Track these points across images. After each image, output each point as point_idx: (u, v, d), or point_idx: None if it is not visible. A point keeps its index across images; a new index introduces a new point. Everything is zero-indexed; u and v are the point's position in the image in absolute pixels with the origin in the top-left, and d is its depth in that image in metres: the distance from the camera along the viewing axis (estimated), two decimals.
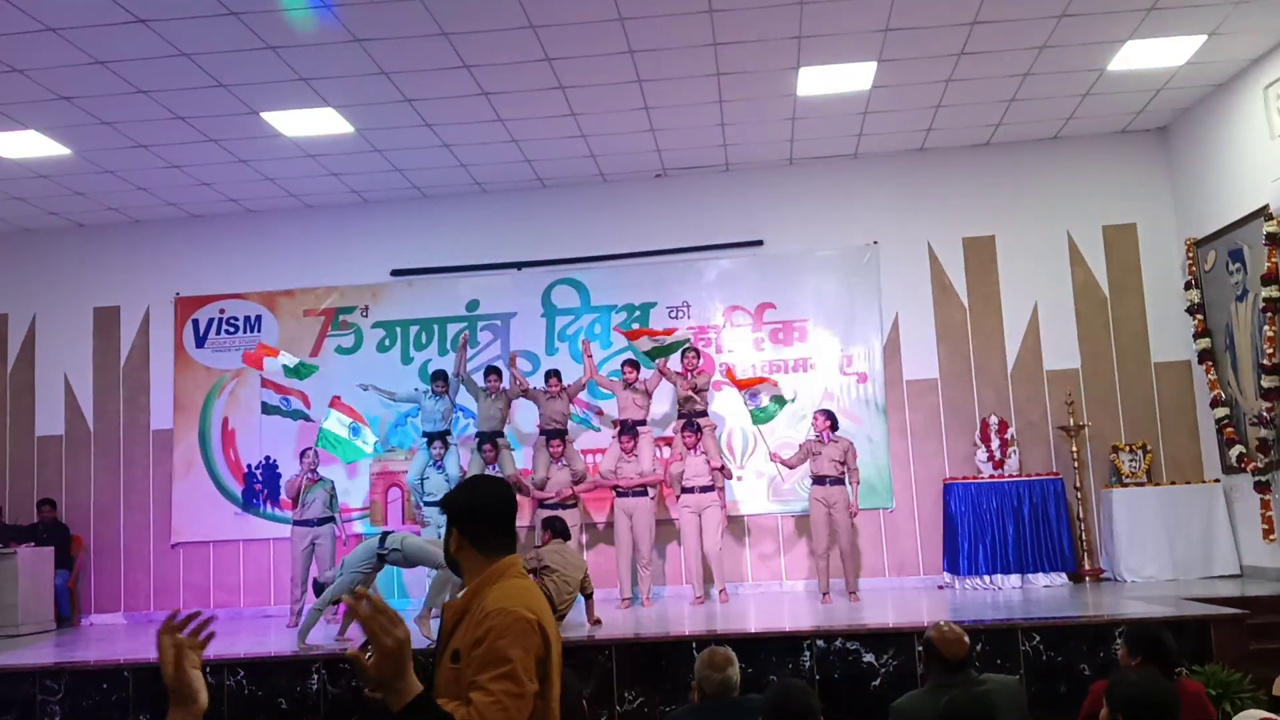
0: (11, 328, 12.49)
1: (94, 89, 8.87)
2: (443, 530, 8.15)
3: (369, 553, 8.45)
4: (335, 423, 10.80)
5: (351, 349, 12.02)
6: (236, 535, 11.81)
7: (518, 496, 10.46)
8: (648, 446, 10.74)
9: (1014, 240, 11.39)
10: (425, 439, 10.86)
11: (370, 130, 10.12)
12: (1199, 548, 10.23)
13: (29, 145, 9.99)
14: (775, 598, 10.65)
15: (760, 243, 11.68)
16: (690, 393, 10.63)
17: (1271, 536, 9.55)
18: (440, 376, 10.97)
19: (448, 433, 10.92)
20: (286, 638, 9.59)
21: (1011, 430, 10.89)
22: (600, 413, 11.51)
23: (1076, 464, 10.78)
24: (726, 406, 11.23)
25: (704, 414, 10.76)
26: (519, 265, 11.93)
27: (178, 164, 10.69)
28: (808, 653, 7.38)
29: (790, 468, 10.49)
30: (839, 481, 10.10)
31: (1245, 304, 9.83)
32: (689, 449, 10.39)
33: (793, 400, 10.91)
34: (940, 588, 10.68)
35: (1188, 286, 10.71)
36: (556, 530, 8.93)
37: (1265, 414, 9.47)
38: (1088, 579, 10.49)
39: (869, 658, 7.32)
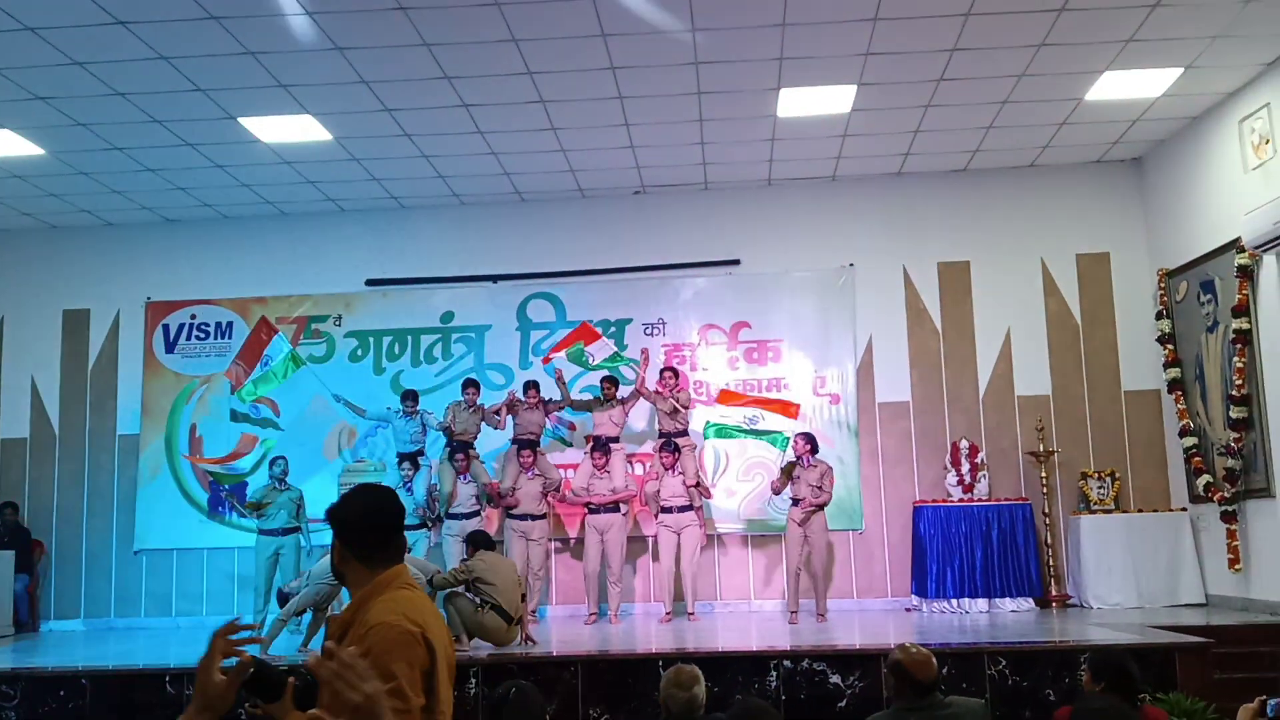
0: None
1: (70, 90, 8.80)
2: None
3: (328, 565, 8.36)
4: None
5: (323, 358, 11.94)
6: (201, 544, 11.68)
7: (487, 508, 10.45)
8: (620, 463, 10.72)
9: (988, 266, 11.45)
10: (396, 459, 10.77)
11: (349, 139, 10.08)
12: (1165, 576, 10.29)
13: (3, 145, 9.89)
14: (744, 617, 10.63)
15: (737, 262, 11.70)
16: (674, 407, 10.60)
17: (1237, 566, 9.61)
18: (411, 396, 10.87)
19: (420, 453, 10.81)
20: (250, 648, 9.47)
21: (982, 455, 10.93)
22: (573, 427, 11.47)
23: (1045, 490, 10.83)
24: (699, 424, 11.24)
25: (684, 433, 10.72)
26: (495, 278, 11.90)
27: (153, 168, 10.62)
28: (774, 673, 7.35)
29: (776, 493, 10.52)
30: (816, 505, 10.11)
31: (1215, 335, 9.91)
32: (666, 469, 10.37)
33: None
34: (908, 610, 10.68)
35: (1159, 316, 10.80)
36: (478, 543, 8.87)
37: (1233, 444, 9.54)
38: (1054, 605, 10.51)
39: (835, 679, 7.31)
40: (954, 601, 10.39)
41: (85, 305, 12.26)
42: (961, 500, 10.69)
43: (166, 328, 12.15)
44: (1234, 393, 9.47)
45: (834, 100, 9.56)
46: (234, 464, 11.73)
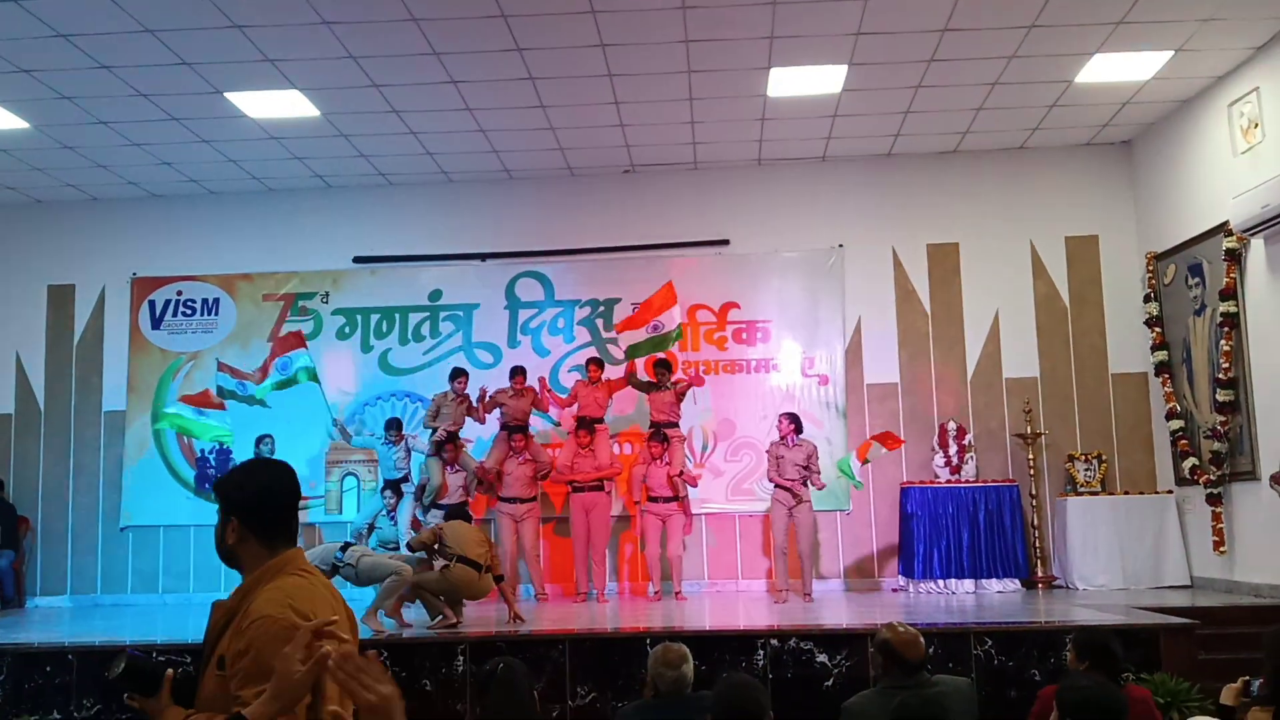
0: None
1: (55, 63, 8.72)
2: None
3: (326, 557, 8.32)
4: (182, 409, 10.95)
5: (311, 335, 11.88)
6: (188, 520, 11.65)
7: (476, 493, 10.40)
8: (604, 442, 10.71)
9: (977, 248, 11.46)
10: (381, 485, 10.58)
11: (336, 114, 10.02)
12: (1150, 558, 10.35)
13: None
14: (731, 596, 10.65)
15: (726, 242, 11.68)
16: (675, 397, 10.57)
17: (1222, 549, 9.66)
18: (394, 425, 10.69)
19: (405, 479, 10.62)
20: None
21: (969, 437, 10.95)
22: (563, 406, 11.41)
23: (1032, 472, 10.86)
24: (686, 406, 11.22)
25: (674, 424, 10.66)
26: (483, 256, 11.86)
27: (138, 142, 10.54)
28: (761, 652, 7.37)
29: (774, 483, 10.34)
30: (802, 484, 10.11)
31: (1203, 318, 9.94)
32: (654, 459, 10.36)
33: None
34: (894, 591, 10.72)
35: (1147, 299, 10.82)
36: (453, 515, 8.98)
37: (1219, 427, 9.58)
38: (1040, 586, 10.56)
39: (822, 658, 7.32)
40: (940, 582, 10.42)
41: (70, 280, 12.18)
42: (949, 482, 10.72)
43: (153, 304, 12.08)
44: (1220, 376, 9.50)
45: (824, 80, 9.53)
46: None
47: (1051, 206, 11.43)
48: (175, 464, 11.78)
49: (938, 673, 5.20)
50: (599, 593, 10.37)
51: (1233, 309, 9.41)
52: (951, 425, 10.96)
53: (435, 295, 11.88)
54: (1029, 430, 10.82)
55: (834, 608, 9.42)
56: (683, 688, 4.69)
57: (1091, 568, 10.37)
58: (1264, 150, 9.02)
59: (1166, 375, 10.54)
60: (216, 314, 12.03)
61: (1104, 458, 10.92)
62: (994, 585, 10.38)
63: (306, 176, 11.69)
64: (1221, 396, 9.52)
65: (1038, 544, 10.74)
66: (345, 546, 8.46)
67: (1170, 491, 10.61)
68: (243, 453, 11.22)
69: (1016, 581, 10.43)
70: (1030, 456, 10.87)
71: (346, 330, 11.90)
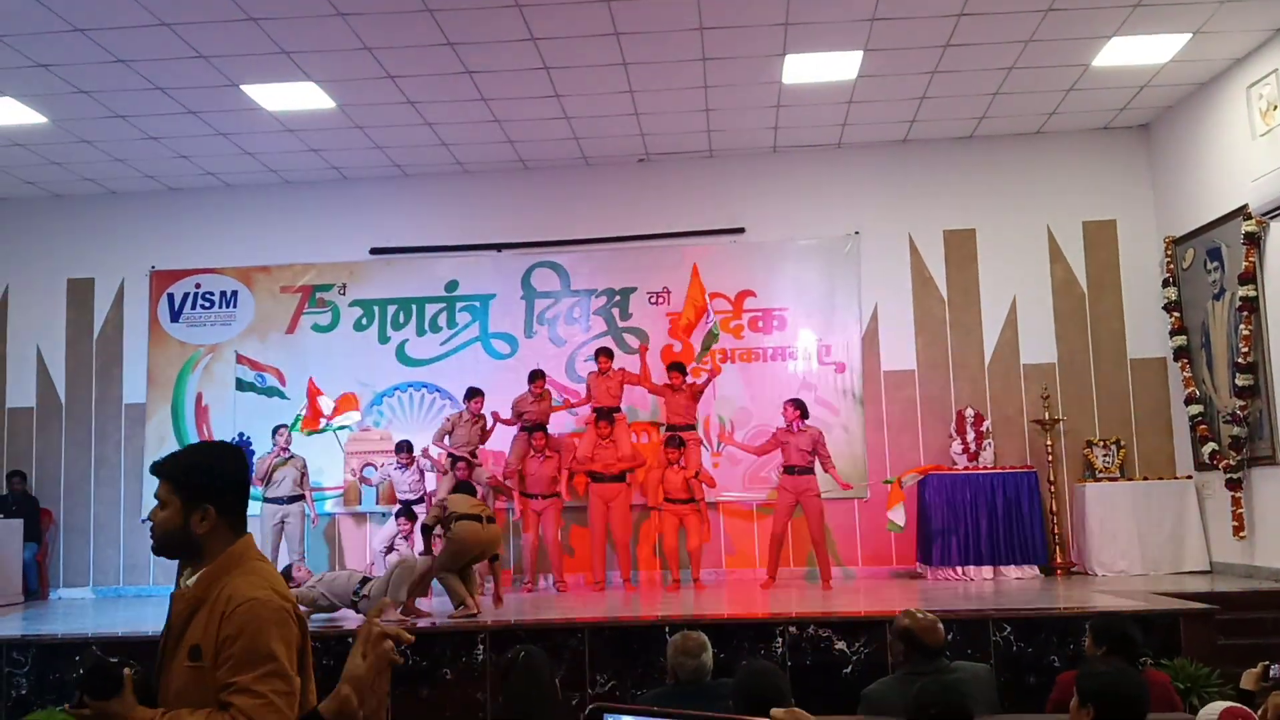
0: None
1: (72, 57, 8.76)
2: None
3: (342, 593, 8.27)
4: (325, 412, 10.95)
5: (328, 327, 11.95)
6: None
7: (498, 497, 10.38)
8: (624, 432, 10.71)
9: (994, 234, 11.41)
10: (396, 510, 10.50)
11: (352, 106, 10.04)
12: (1170, 543, 10.31)
13: (5, 112, 9.85)
14: (750, 584, 10.65)
15: (742, 230, 11.67)
16: (689, 398, 10.55)
17: (1241, 533, 9.63)
18: (404, 447, 10.70)
19: (421, 500, 10.58)
20: None
21: (987, 423, 10.93)
22: (576, 398, 11.42)
23: (1051, 458, 10.83)
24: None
25: (690, 427, 10.61)
26: (499, 247, 11.88)
27: (156, 136, 10.58)
28: (780, 639, 7.38)
29: (765, 454, 10.51)
30: (808, 471, 10.11)
31: (1222, 303, 9.89)
32: (670, 463, 10.31)
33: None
34: (913, 578, 10.71)
35: (1165, 284, 10.76)
36: (457, 490, 9.16)
37: (1239, 412, 9.53)
38: (1059, 572, 10.54)
39: (841, 645, 7.33)
40: (959, 569, 10.41)
41: (89, 274, 12.26)
42: (967, 468, 10.70)
43: (171, 297, 12.15)
44: (1240, 360, 9.45)
45: (840, 66, 9.50)
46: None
47: (1069, 191, 11.37)
48: None
49: (957, 659, 5.21)
50: (625, 581, 10.40)
51: (1252, 293, 9.35)
52: (969, 412, 10.93)
53: (452, 286, 11.91)
54: (1047, 416, 10.79)
55: (852, 595, 9.42)
56: (702, 676, 4.71)
57: (1110, 554, 10.34)
58: None
59: (1185, 360, 10.49)
60: (235, 306, 12.08)
61: (1123, 443, 10.88)
62: (1012, 572, 10.37)
63: (323, 169, 11.72)
64: (1241, 381, 9.47)
65: (1056, 530, 10.71)
66: (363, 581, 8.41)
67: (1189, 477, 10.57)
68: (262, 443, 11.26)
69: (1035, 568, 10.41)
70: (1048, 442, 10.83)
71: (364, 321, 11.93)
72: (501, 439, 11.03)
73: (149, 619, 9.46)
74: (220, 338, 12.04)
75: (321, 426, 11.01)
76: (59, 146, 10.77)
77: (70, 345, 12.20)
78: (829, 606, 8.38)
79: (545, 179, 11.91)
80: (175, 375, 12.02)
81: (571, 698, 7.26)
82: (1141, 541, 10.31)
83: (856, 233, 11.52)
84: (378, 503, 11.41)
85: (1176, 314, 10.61)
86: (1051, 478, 10.81)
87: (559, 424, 11.21)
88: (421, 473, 10.77)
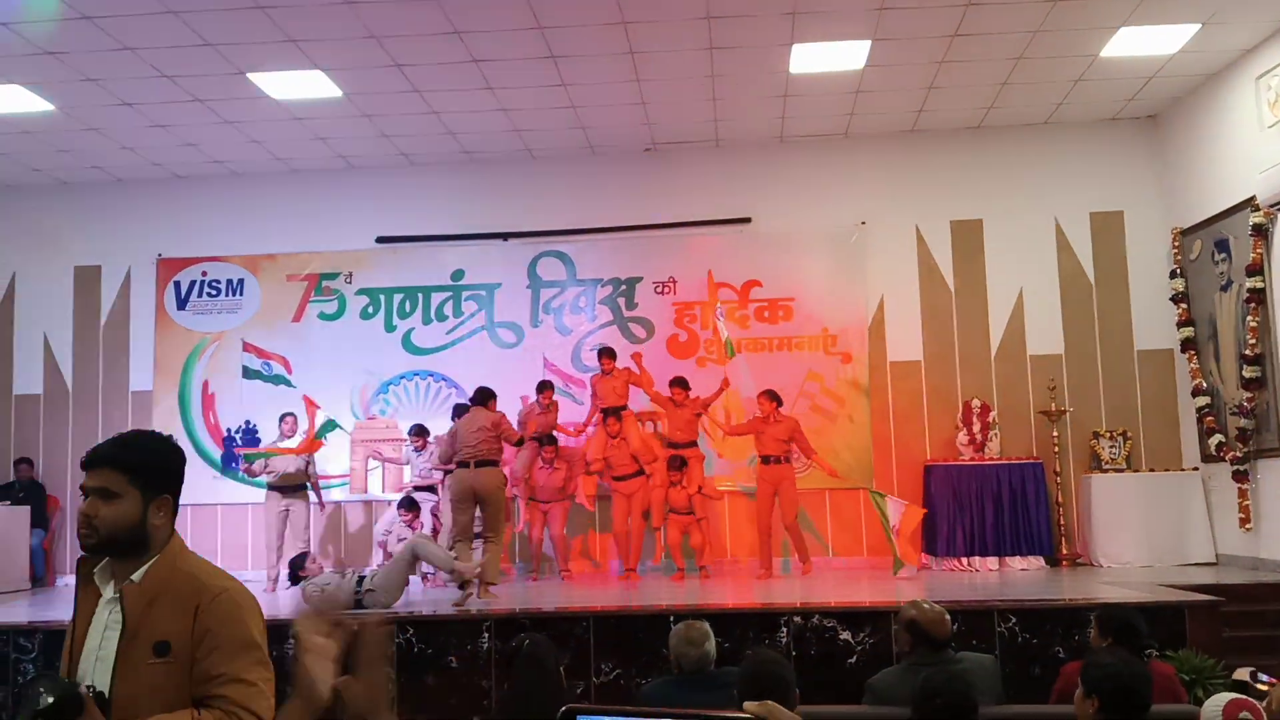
0: None
1: (79, 45, 8.76)
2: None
3: (338, 593, 8.23)
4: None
5: (334, 315, 11.96)
6: (214, 499, 11.74)
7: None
8: (633, 428, 10.62)
9: (1002, 224, 11.39)
10: (399, 500, 10.54)
11: (359, 95, 10.03)
12: (1176, 535, 10.30)
13: (12, 100, 9.85)
14: (754, 573, 10.64)
15: (748, 220, 11.65)
16: (692, 414, 10.47)
17: (1248, 525, 9.61)
18: (419, 430, 10.69)
19: (431, 489, 10.54)
20: (263, 601, 9.54)
21: (993, 414, 10.92)
22: (583, 385, 11.43)
23: (1057, 449, 10.81)
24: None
25: (694, 444, 10.49)
26: (505, 236, 11.87)
27: (163, 124, 10.58)
28: (785, 629, 7.39)
29: (736, 435, 10.57)
30: (784, 460, 10.12)
31: (1229, 294, 9.86)
32: (673, 484, 10.23)
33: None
34: (919, 568, 10.70)
35: (1173, 275, 10.73)
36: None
37: (1245, 404, 9.51)
38: (1065, 563, 10.54)
39: (846, 635, 7.34)
40: (964, 560, 10.42)
41: (96, 262, 12.27)
42: (973, 459, 10.69)
43: (178, 284, 12.16)
44: (1247, 352, 9.43)
45: (848, 56, 9.47)
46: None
47: (1076, 182, 11.34)
48: (201, 443, 11.86)
49: (962, 650, 5.21)
50: (631, 571, 10.38)
51: (1259, 284, 9.32)
52: (975, 402, 10.92)
53: (458, 275, 11.90)
54: (1053, 407, 10.77)
55: (857, 585, 9.43)
56: (706, 665, 4.71)
57: (1116, 545, 10.33)
58: None
59: (1192, 351, 10.47)
60: (241, 294, 12.09)
61: (1129, 435, 10.86)
62: (1018, 563, 10.37)
63: (329, 157, 11.72)
64: (1248, 373, 9.45)
65: (1062, 521, 10.71)
66: (361, 579, 8.40)
67: (1196, 468, 10.55)
68: (268, 431, 11.28)
69: (1041, 559, 10.41)
70: (1055, 434, 10.82)
71: (370, 310, 11.94)
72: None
73: None
74: (227, 325, 12.05)
75: (317, 434, 11.06)
76: (66, 134, 10.77)
77: (77, 333, 12.22)
78: (833, 596, 8.39)
79: (551, 168, 11.89)
80: (182, 363, 12.04)
81: (576, 686, 7.28)
82: (1147, 533, 10.30)
83: (863, 223, 11.50)
84: (384, 490, 11.42)
85: (1184, 305, 10.58)
86: (1058, 469, 10.79)
87: (564, 412, 11.21)
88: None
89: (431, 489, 10.68)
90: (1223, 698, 3.83)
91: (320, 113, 10.44)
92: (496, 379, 10.67)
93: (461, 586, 8.54)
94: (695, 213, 11.65)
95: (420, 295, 11.91)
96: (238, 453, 11.49)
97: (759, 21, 8.72)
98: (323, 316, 11.98)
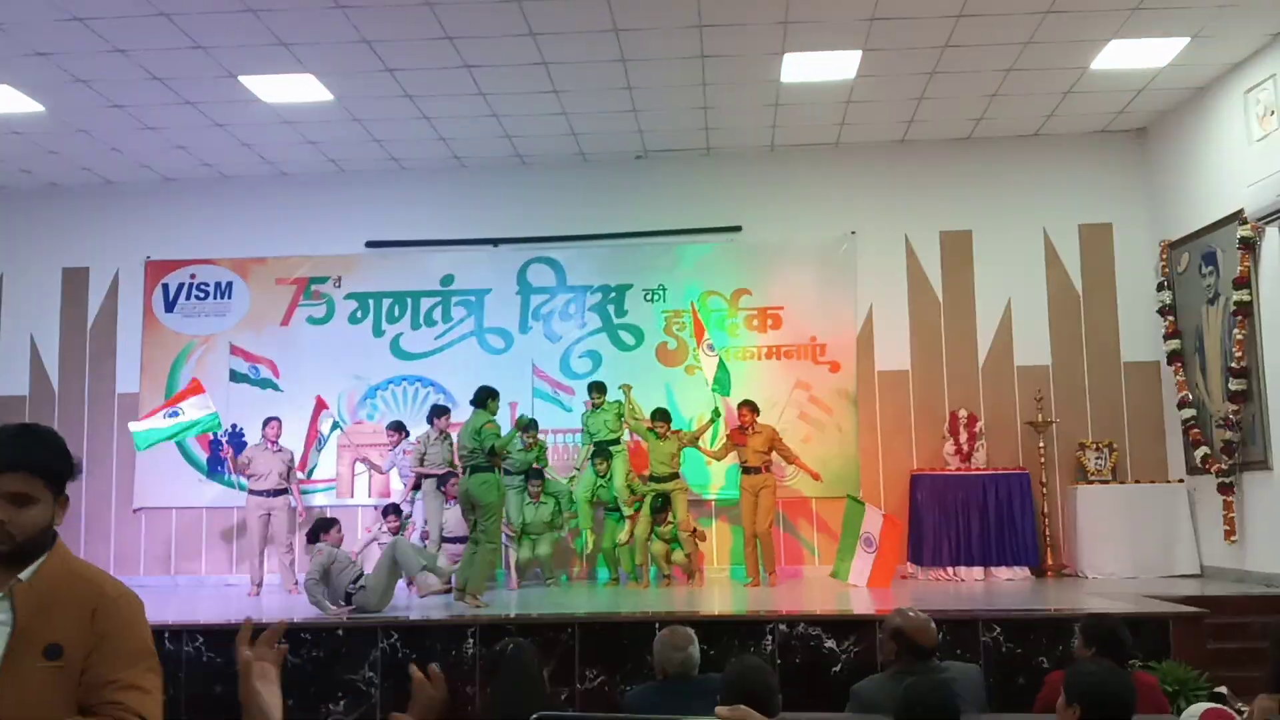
0: None
1: (70, 46, 8.73)
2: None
3: (344, 581, 8.26)
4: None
5: (323, 319, 11.94)
6: (200, 503, 11.71)
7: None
8: (621, 466, 10.43)
9: (991, 235, 11.42)
10: (385, 506, 10.49)
11: (350, 99, 10.02)
12: (1161, 547, 10.33)
13: (2, 101, 9.82)
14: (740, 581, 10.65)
15: (739, 228, 11.66)
16: (675, 449, 10.31)
17: (1232, 538, 9.64)
18: (442, 411, 10.51)
19: (449, 475, 10.17)
20: (247, 606, 9.55)
21: (980, 424, 10.94)
22: (572, 392, 11.44)
23: (1043, 460, 10.84)
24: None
25: (676, 476, 10.30)
26: (495, 242, 11.87)
27: (153, 126, 10.56)
28: (770, 637, 7.39)
29: (723, 458, 10.55)
30: (763, 470, 10.15)
31: (1216, 307, 9.90)
32: (658, 525, 10.14)
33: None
34: (903, 577, 10.72)
35: (1160, 288, 10.78)
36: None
37: (1231, 416, 9.55)
38: (1050, 574, 10.55)
39: (830, 643, 7.34)
40: (950, 569, 10.43)
41: (85, 263, 12.23)
42: (959, 469, 10.71)
43: (166, 287, 12.12)
44: (1233, 365, 9.47)
45: (839, 66, 9.50)
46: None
47: (1065, 194, 11.39)
48: (187, 447, 11.81)
49: (946, 659, 5.21)
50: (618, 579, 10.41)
51: (1246, 298, 9.37)
52: (962, 413, 10.95)
53: (447, 280, 11.89)
54: (1040, 418, 10.80)
55: (842, 594, 9.43)
56: (689, 669, 4.71)
57: (1102, 556, 10.35)
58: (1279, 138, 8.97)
59: (1179, 364, 10.51)
60: (229, 297, 12.06)
61: (1115, 446, 10.90)
62: (1004, 573, 10.39)
63: (320, 161, 11.70)
64: (1234, 385, 9.49)
65: (1048, 532, 10.73)
66: (360, 575, 8.39)
67: (1181, 480, 10.59)
68: (255, 435, 11.24)
69: (1026, 570, 10.43)
70: (1041, 444, 10.84)
71: (359, 314, 11.92)
72: None
73: None
74: (215, 329, 12.02)
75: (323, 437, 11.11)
76: (56, 135, 10.74)
77: (64, 334, 12.18)
78: (819, 605, 8.39)
79: (542, 174, 11.90)
80: (169, 366, 11.99)
81: (561, 692, 7.28)
82: (1133, 544, 10.32)
83: (853, 232, 11.52)
84: (370, 495, 11.40)
85: (1171, 318, 10.62)
86: (1044, 479, 10.82)
87: (551, 418, 11.22)
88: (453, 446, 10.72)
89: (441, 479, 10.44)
90: (1199, 707, 3.84)
91: (311, 116, 10.43)
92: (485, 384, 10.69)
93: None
94: (686, 220, 11.66)
95: (409, 300, 11.90)
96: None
97: (750, 30, 8.74)
98: (311, 321, 11.95)
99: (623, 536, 10.20)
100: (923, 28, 8.76)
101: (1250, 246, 9.34)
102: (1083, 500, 10.56)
